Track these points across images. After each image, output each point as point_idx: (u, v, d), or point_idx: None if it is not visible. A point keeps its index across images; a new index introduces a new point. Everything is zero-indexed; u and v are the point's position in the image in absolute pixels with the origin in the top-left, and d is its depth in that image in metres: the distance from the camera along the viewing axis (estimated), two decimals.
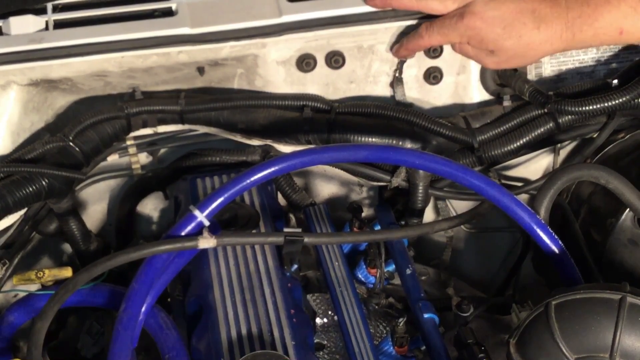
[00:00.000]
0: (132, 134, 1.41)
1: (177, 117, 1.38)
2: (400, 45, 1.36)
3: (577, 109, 1.33)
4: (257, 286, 1.17)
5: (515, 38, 1.27)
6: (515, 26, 1.26)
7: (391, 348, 1.21)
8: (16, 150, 1.34)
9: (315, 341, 1.26)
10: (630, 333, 0.98)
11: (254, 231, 1.25)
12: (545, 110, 1.36)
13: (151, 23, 1.33)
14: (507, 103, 1.41)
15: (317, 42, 1.37)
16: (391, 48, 1.38)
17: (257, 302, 1.14)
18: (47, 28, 1.33)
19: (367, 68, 1.42)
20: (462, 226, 1.60)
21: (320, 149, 1.14)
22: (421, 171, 1.36)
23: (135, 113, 1.37)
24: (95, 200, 1.54)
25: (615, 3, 1.22)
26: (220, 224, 1.19)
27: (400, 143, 1.37)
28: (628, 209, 1.26)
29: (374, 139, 1.36)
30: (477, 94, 1.44)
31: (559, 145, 1.49)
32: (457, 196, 1.44)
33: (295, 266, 1.23)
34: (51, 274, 1.21)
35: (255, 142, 1.40)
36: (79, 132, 1.33)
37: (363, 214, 1.46)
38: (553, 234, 1.13)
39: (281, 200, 1.47)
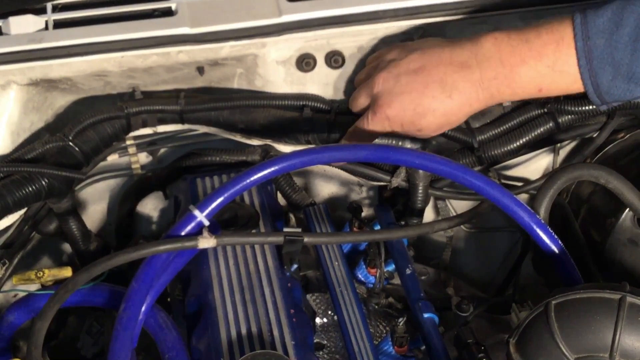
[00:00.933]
0: (132, 134, 1.41)
1: (177, 116, 1.38)
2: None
3: (577, 108, 1.33)
4: (257, 286, 1.17)
5: (430, 113, 1.23)
6: (425, 103, 1.23)
7: (391, 348, 1.21)
8: (16, 150, 1.34)
9: (315, 341, 1.26)
10: (630, 333, 0.98)
11: (253, 231, 1.25)
12: (545, 109, 1.36)
13: (151, 23, 1.33)
14: (506, 103, 1.41)
15: (317, 41, 1.37)
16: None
17: (257, 301, 1.14)
18: (46, 28, 1.33)
19: None
20: (461, 226, 1.60)
21: (320, 149, 1.14)
22: (421, 171, 1.36)
23: (135, 113, 1.37)
24: (95, 200, 1.54)
25: (532, 63, 1.17)
26: (220, 224, 1.19)
27: (400, 143, 1.37)
28: (628, 209, 1.26)
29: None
30: None
31: (558, 145, 1.49)
32: (456, 196, 1.44)
33: (295, 266, 1.23)
34: (51, 273, 1.21)
35: (255, 141, 1.40)
36: (78, 132, 1.33)
37: (363, 214, 1.46)
38: (553, 233, 1.13)
39: (281, 200, 1.47)
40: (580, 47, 1.13)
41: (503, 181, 1.48)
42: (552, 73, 1.16)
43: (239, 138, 1.40)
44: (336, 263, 1.31)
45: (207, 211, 1.07)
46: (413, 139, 1.37)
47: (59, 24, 1.33)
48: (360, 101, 1.31)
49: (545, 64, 1.16)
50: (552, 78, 1.17)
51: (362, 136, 1.30)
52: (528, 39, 1.17)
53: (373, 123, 1.28)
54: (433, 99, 1.22)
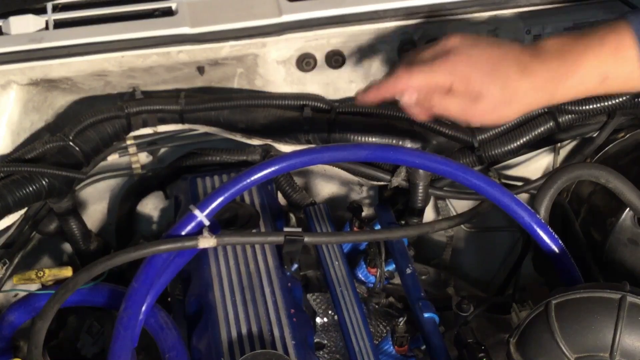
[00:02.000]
0: (132, 134, 1.41)
1: (177, 116, 1.39)
2: (371, 89, 1.19)
3: (577, 108, 1.33)
4: (257, 286, 1.17)
5: (501, 82, 1.15)
6: (501, 70, 1.16)
7: (391, 347, 1.21)
8: (16, 149, 1.34)
9: (315, 340, 1.26)
10: (630, 332, 0.98)
11: (254, 231, 1.25)
12: (545, 109, 1.36)
13: (151, 23, 1.33)
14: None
15: (317, 41, 1.37)
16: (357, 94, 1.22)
17: (257, 301, 1.14)
18: (47, 28, 1.33)
19: (368, 67, 1.42)
20: (462, 225, 1.60)
21: (320, 149, 1.14)
22: (421, 171, 1.36)
23: (136, 112, 1.37)
24: (96, 200, 1.54)
25: (597, 49, 1.14)
26: (220, 224, 1.19)
27: (400, 142, 1.37)
28: (628, 209, 1.26)
29: (374, 139, 1.36)
30: None
31: (559, 144, 1.49)
32: (457, 195, 1.44)
33: (296, 265, 1.23)
34: (51, 273, 1.21)
35: (256, 141, 1.40)
36: (79, 132, 1.33)
37: (363, 214, 1.46)
38: (553, 233, 1.13)
39: (281, 199, 1.47)
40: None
41: (503, 181, 1.48)
42: (615, 59, 1.13)
43: (239, 138, 1.40)
44: (336, 263, 1.31)
45: (207, 211, 1.07)
46: (413, 138, 1.37)
47: (59, 24, 1.33)
48: (428, 55, 1.18)
49: (606, 50, 1.13)
50: (616, 65, 1.14)
51: (417, 70, 1.17)
52: (584, 33, 1.16)
53: (440, 66, 1.16)
54: (508, 68, 1.15)
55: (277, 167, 1.10)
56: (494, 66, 1.15)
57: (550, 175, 1.18)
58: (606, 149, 1.42)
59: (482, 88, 1.15)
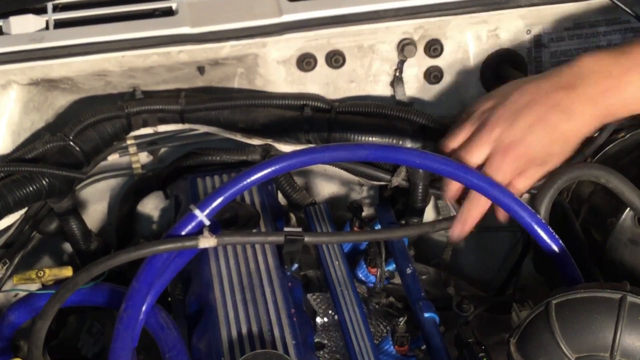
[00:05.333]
0: (133, 134, 1.41)
1: (178, 116, 1.39)
2: (463, 222, 1.20)
3: None
4: (258, 285, 1.17)
5: (557, 140, 1.16)
6: (551, 132, 1.15)
7: (392, 347, 1.21)
8: (16, 149, 1.34)
9: (315, 340, 1.26)
10: (630, 332, 0.98)
11: (254, 230, 1.25)
12: None
13: (151, 22, 1.33)
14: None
15: (318, 41, 1.37)
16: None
17: (257, 301, 1.14)
18: (47, 27, 1.33)
19: (368, 67, 1.42)
20: None
21: (320, 148, 1.14)
22: (421, 170, 1.36)
23: (136, 112, 1.37)
24: (96, 200, 1.54)
25: (637, 71, 1.13)
26: (220, 224, 1.19)
27: (401, 142, 1.37)
28: (628, 209, 1.26)
29: (374, 139, 1.36)
30: (478, 93, 1.44)
31: None
32: None
33: (296, 265, 1.23)
34: (51, 273, 1.21)
35: (256, 141, 1.40)
36: (79, 132, 1.33)
37: (363, 213, 1.46)
38: (553, 233, 1.13)
39: (281, 199, 1.47)
40: None
41: None
42: None
43: (239, 138, 1.40)
44: (337, 262, 1.31)
45: (207, 211, 1.07)
46: (413, 138, 1.37)
47: (59, 24, 1.33)
48: (477, 156, 1.18)
49: None
50: None
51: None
52: (624, 51, 1.15)
53: (505, 167, 1.16)
54: (556, 125, 1.15)
55: (277, 167, 1.09)
56: (543, 115, 1.15)
57: (550, 176, 1.18)
58: (606, 149, 1.41)
59: (544, 158, 1.17)
